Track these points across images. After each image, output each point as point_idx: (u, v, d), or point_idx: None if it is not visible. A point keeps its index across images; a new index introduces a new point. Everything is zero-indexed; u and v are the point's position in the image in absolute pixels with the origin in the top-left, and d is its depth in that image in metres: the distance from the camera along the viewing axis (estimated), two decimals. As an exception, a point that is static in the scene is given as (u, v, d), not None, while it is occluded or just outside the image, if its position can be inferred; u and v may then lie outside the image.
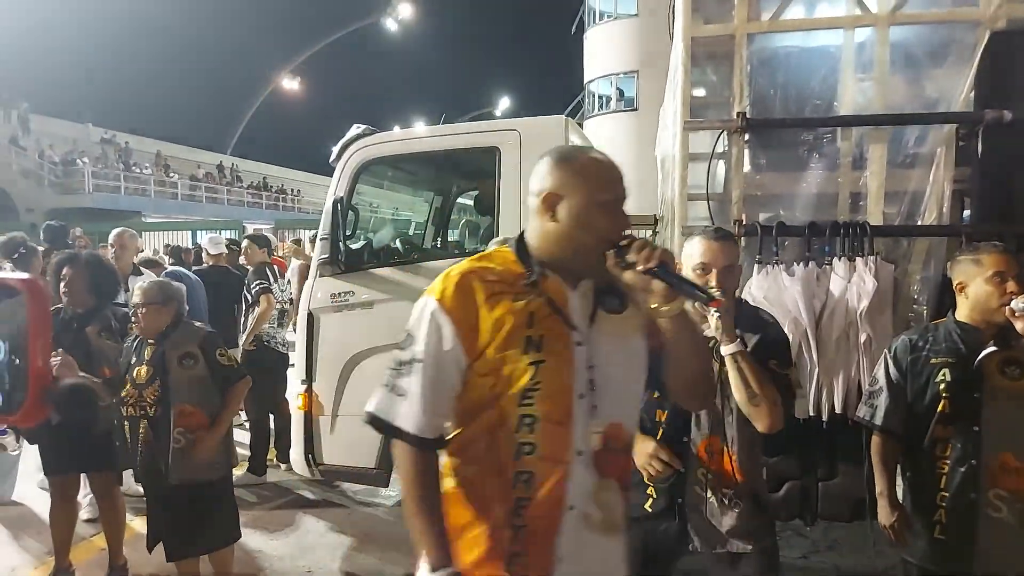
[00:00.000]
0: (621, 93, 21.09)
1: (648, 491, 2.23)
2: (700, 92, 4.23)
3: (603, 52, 20.93)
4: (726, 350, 2.05)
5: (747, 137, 3.64)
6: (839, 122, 3.51)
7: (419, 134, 4.41)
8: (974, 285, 2.34)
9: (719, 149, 3.72)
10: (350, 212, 4.30)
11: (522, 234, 1.57)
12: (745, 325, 2.15)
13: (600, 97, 21.83)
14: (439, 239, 5.47)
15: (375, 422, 1.53)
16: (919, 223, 3.33)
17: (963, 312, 2.40)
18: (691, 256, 2.17)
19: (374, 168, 4.46)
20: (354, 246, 4.40)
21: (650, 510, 2.23)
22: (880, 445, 2.48)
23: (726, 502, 2.16)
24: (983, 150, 3.15)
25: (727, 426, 2.15)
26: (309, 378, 4.24)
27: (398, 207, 6.11)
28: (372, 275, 4.20)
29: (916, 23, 3.44)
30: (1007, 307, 2.20)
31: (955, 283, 2.44)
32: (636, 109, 19.30)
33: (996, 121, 3.07)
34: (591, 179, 1.50)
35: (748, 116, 3.50)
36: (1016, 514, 2.24)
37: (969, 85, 3.24)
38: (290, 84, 40.69)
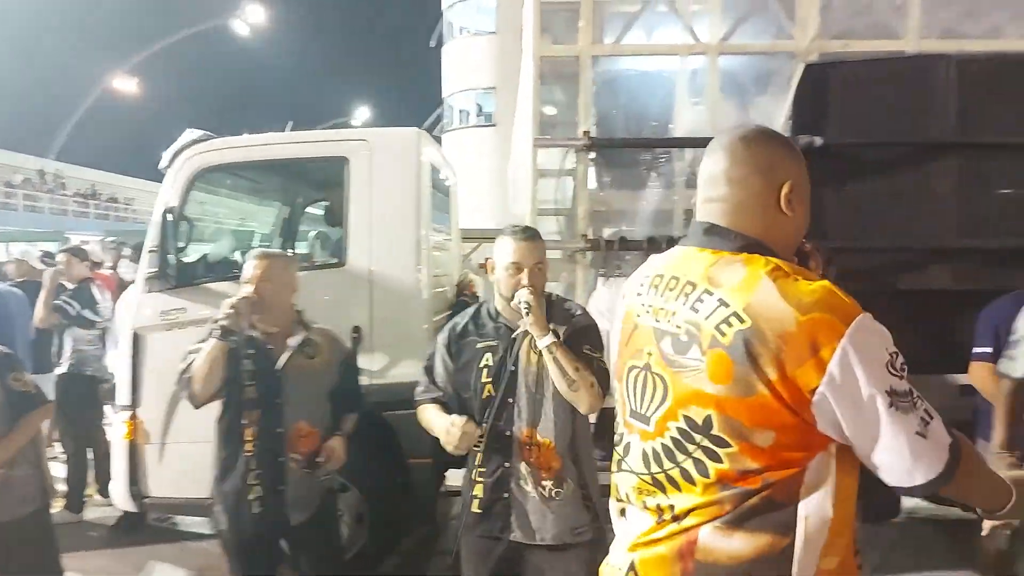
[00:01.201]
0: (480, 108, 21.35)
1: (475, 491, 2.26)
2: (551, 111, 4.33)
3: (462, 67, 21.10)
4: (542, 343, 2.15)
5: (592, 155, 3.77)
6: (674, 143, 3.72)
7: (262, 141, 4.16)
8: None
9: (567, 166, 3.83)
10: (183, 222, 3.98)
11: (757, 240, 1.24)
12: (556, 318, 2.25)
13: (460, 111, 21.97)
14: (286, 251, 5.21)
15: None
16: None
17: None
18: (503, 256, 2.25)
19: (211, 176, 4.15)
20: (187, 259, 4.08)
21: (479, 511, 2.26)
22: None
23: (547, 494, 2.21)
24: (799, 173, 3.43)
25: (543, 416, 2.23)
26: (134, 404, 3.86)
27: (240, 218, 5.76)
28: (208, 290, 3.90)
29: (742, 53, 3.73)
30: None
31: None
32: (495, 125, 19.58)
33: (809, 146, 3.36)
34: (805, 167, 1.30)
35: (593, 135, 3.62)
36: None
37: (787, 112, 3.53)
38: (126, 85, 37.59)
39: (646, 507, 1.25)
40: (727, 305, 1.13)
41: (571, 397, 2.16)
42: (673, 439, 1.20)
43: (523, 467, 2.22)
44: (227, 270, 4.21)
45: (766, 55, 3.70)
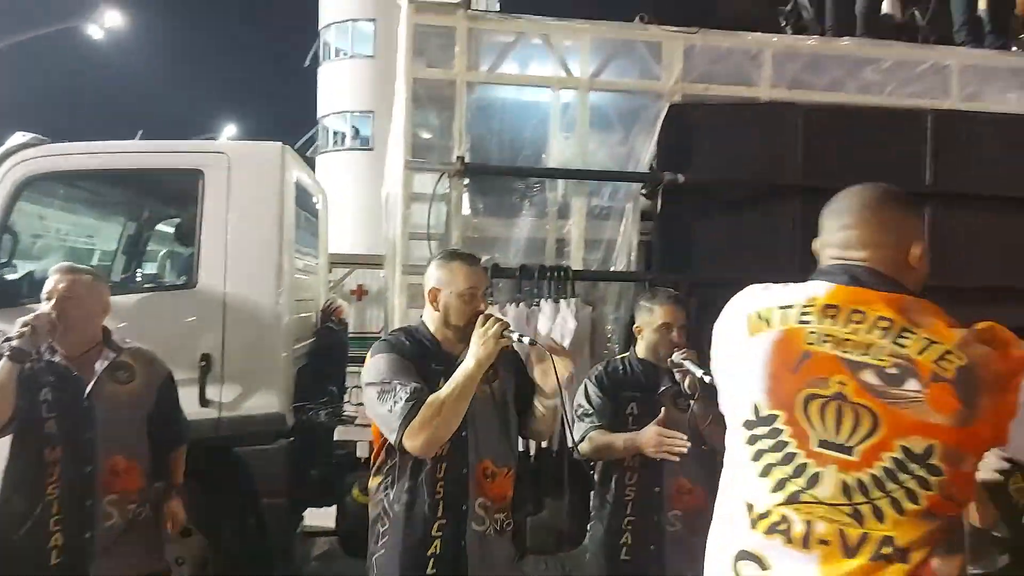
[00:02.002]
0: (357, 131, 20.98)
1: (432, 531, 2.06)
2: (425, 134, 4.26)
3: (338, 89, 20.69)
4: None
5: (466, 181, 3.73)
6: (545, 173, 3.75)
7: (104, 148, 3.78)
8: (647, 331, 2.60)
9: (440, 191, 3.75)
10: (6, 235, 3.54)
11: (908, 288, 1.41)
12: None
13: (335, 133, 21.48)
14: (132, 271, 4.76)
15: None
16: (612, 269, 3.65)
17: (642, 351, 2.64)
18: (458, 282, 2.12)
19: (42, 185, 3.74)
20: (10, 276, 3.63)
21: (433, 554, 2.06)
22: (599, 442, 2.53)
23: (499, 527, 2.14)
24: (662, 206, 3.55)
25: (500, 443, 2.16)
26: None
27: (79, 233, 5.23)
28: (33, 312, 3.47)
29: (610, 90, 3.83)
30: (668, 359, 2.45)
31: (634, 326, 2.68)
32: (372, 148, 19.29)
33: (673, 182, 3.49)
34: None
35: (467, 161, 3.57)
36: (689, 528, 2.47)
37: (653, 149, 3.65)
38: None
39: (845, 542, 1.25)
40: (938, 343, 1.25)
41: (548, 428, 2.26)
42: (885, 469, 1.24)
43: (477, 505, 2.10)
44: (58, 290, 3.78)
45: (633, 94, 3.82)
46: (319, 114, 21.49)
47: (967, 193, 3.62)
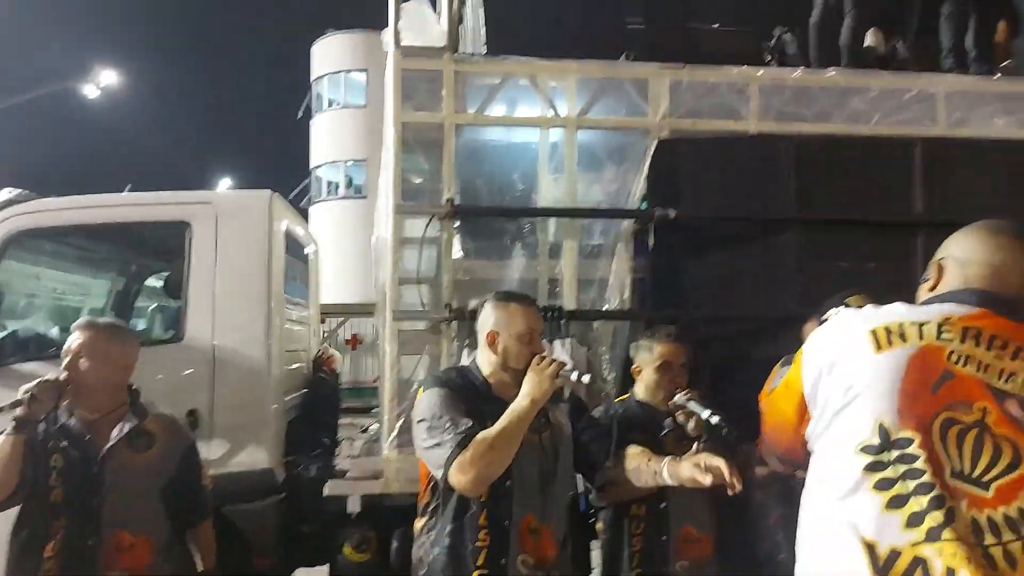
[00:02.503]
0: (350, 180, 21.14)
1: None
2: (415, 178, 4.24)
3: (331, 139, 20.92)
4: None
5: (456, 224, 3.69)
6: (536, 213, 3.72)
7: (90, 203, 3.75)
8: (647, 371, 2.52)
9: (430, 234, 3.71)
10: (-10, 294, 3.49)
11: None
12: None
13: (328, 183, 21.65)
14: (90, 318, 4.67)
15: None
16: (606, 308, 3.58)
17: (640, 393, 2.56)
18: (517, 323, 2.11)
19: (28, 242, 3.70)
20: (-7, 335, 3.56)
21: None
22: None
23: None
24: (655, 243, 3.51)
25: (545, 498, 2.08)
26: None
27: (67, 289, 5.17)
28: (16, 372, 3.39)
29: (598, 128, 3.82)
30: (670, 400, 2.37)
31: (633, 366, 2.60)
32: (365, 197, 19.41)
33: (664, 218, 3.45)
34: None
35: (457, 203, 3.54)
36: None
37: (642, 185, 3.62)
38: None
39: None
40: None
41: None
42: (1021, 509, 1.14)
43: (520, 562, 2.03)
44: (43, 348, 3.71)
45: (621, 131, 3.81)
46: (312, 164, 21.70)
47: (957, 221, 3.57)
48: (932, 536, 1.13)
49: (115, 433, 2.24)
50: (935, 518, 1.14)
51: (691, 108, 3.69)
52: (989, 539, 1.13)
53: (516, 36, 4.65)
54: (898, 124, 3.81)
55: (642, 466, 2.11)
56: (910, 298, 3.58)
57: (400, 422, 3.35)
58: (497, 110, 3.89)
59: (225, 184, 24.19)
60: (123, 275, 4.64)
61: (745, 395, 1.85)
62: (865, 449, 1.21)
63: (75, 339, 2.25)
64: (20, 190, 3.71)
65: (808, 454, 1.36)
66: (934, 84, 3.91)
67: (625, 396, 2.66)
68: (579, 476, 2.44)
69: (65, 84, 19.29)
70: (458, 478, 1.91)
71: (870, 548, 1.16)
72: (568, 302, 3.52)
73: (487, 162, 3.92)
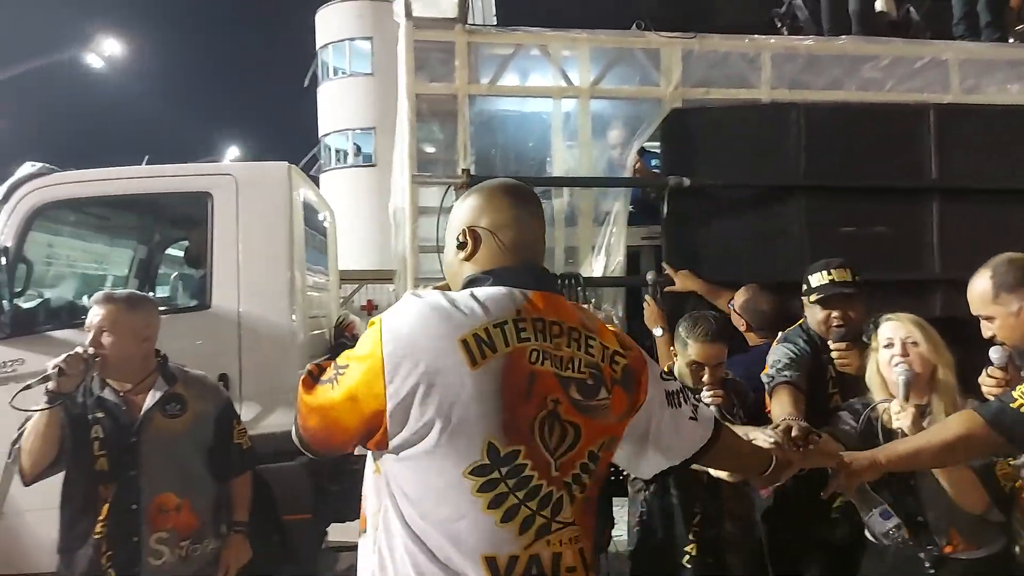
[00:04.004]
0: (359, 148, 21.07)
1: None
2: (429, 148, 4.30)
3: (339, 107, 20.80)
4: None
5: (472, 193, 3.75)
6: (550, 182, 3.78)
7: (112, 175, 3.84)
8: (678, 361, 2.60)
9: (447, 204, 3.78)
10: (20, 265, 3.59)
11: None
12: None
13: (337, 151, 21.58)
14: (113, 291, 4.79)
15: None
16: (614, 274, 3.66)
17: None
18: None
19: (53, 213, 3.79)
20: (25, 305, 3.67)
21: None
22: None
23: None
24: (668, 211, 3.58)
25: None
26: (-41, 471, 3.38)
27: (90, 259, 5.28)
28: (50, 339, 3.52)
29: (612, 97, 3.86)
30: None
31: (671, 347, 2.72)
32: (374, 165, 19.37)
33: (678, 186, 3.51)
34: None
35: (472, 173, 3.61)
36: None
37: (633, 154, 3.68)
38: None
39: None
40: None
41: None
42: (575, 475, 1.31)
43: None
44: (72, 317, 3.83)
45: (634, 100, 3.85)
46: (320, 133, 21.62)
47: (972, 187, 3.63)
48: (541, 533, 1.24)
49: (147, 402, 2.32)
50: (544, 516, 1.24)
51: (703, 77, 3.73)
52: (569, 513, 1.28)
53: (526, 6, 4.65)
54: (910, 91, 3.84)
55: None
56: (915, 264, 3.63)
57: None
58: (510, 80, 3.93)
59: (232, 152, 24.20)
60: (145, 244, 4.75)
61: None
62: (476, 472, 1.21)
63: (95, 314, 2.29)
64: (42, 164, 3.79)
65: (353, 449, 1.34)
66: (946, 51, 3.92)
67: None
68: None
69: (68, 54, 19.16)
70: None
71: (490, 561, 1.21)
72: (585, 269, 3.61)
73: (501, 132, 3.97)
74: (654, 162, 3.99)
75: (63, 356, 2.16)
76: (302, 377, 1.36)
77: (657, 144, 3.86)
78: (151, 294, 4.76)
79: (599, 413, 1.30)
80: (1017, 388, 1.72)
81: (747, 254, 3.58)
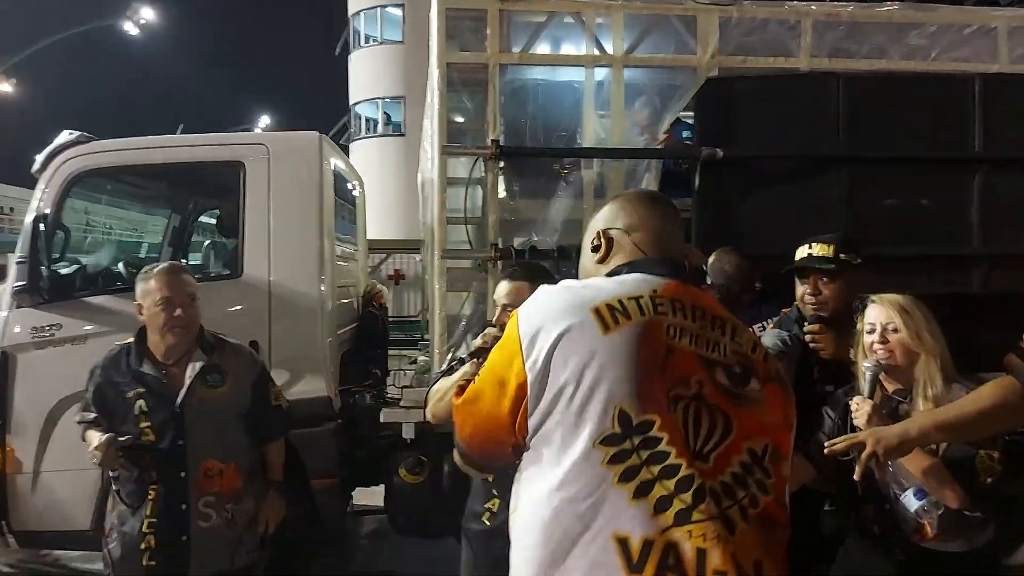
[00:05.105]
0: (388, 118, 21.07)
1: None
2: (459, 119, 4.27)
3: (369, 75, 20.77)
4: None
5: (501, 164, 3.72)
6: (581, 153, 3.73)
7: (147, 144, 3.88)
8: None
9: (476, 175, 3.76)
10: (59, 231, 3.66)
11: None
12: None
13: (367, 120, 21.61)
14: (178, 262, 4.89)
15: None
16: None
17: None
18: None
19: (90, 180, 3.84)
20: (64, 271, 3.75)
21: None
22: None
23: None
24: (700, 183, 3.51)
25: None
26: (2, 430, 3.50)
27: (126, 226, 5.38)
28: (87, 304, 3.60)
29: (646, 66, 3.78)
30: None
31: None
32: (403, 134, 19.38)
33: (711, 157, 3.44)
34: None
35: (501, 144, 3.57)
36: None
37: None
38: (3, 88, 34.71)
39: None
40: None
41: None
42: (734, 474, 1.21)
43: None
44: (109, 283, 3.92)
45: (669, 69, 3.76)
46: (351, 101, 21.64)
47: (1018, 158, 3.50)
48: (680, 519, 1.11)
49: (188, 373, 2.38)
50: (683, 500, 1.12)
51: (741, 45, 3.63)
52: (714, 510, 1.13)
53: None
54: (956, 61, 3.70)
55: None
56: (958, 238, 3.52)
57: (449, 355, 3.50)
58: (542, 49, 3.87)
59: (264, 121, 24.36)
60: (179, 212, 4.81)
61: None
62: (606, 441, 1.15)
63: (143, 289, 2.36)
64: (80, 132, 3.84)
65: (512, 454, 1.28)
66: (995, 19, 3.76)
67: None
68: None
69: (105, 23, 19.34)
70: None
71: (623, 543, 1.11)
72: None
73: (532, 102, 3.92)
74: (686, 133, 3.91)
75: (102, 442, 2.27)
76: (453, 392, 1.40)
77: (691, 114, 3.78)
78: (183, 262, 4.85)
79: (751, 404, 1.21)
80: None
81: (783, 228, 3.48)
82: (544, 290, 1.30)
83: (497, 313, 2.33)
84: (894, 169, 3.53)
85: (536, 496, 1.20)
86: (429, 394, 2.32)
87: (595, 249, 1.41)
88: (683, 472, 1.13)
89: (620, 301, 1.22)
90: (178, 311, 2.33)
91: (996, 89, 3.52)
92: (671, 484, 1.12)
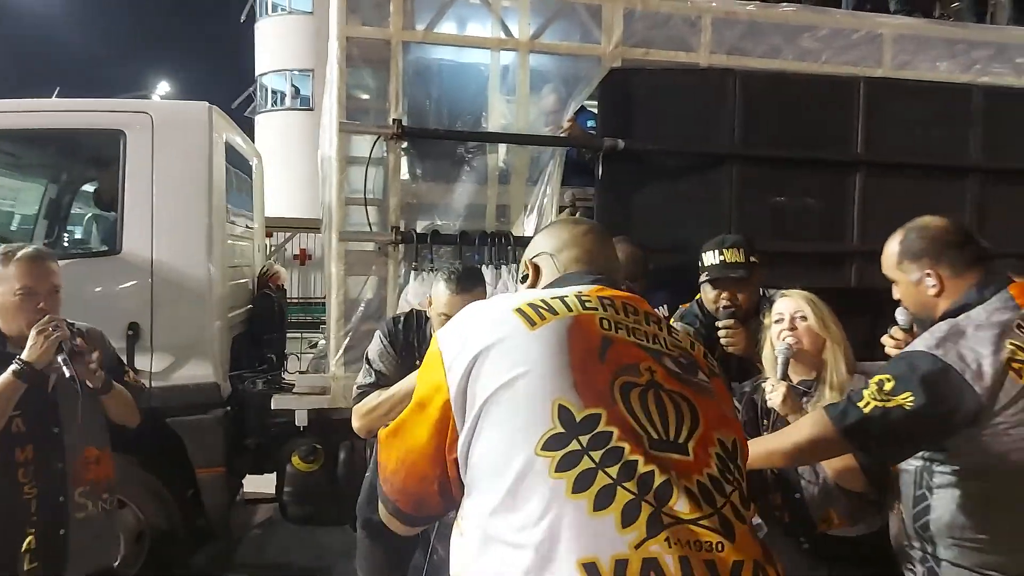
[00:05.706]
0: (297, 91, 20.30)
1: None
2: (363, 96, 4.13)
3: (276, 46, 19.91)
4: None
5: (404, 145, 3.64)
6: (485, 138, 3.70)
7: (18, 107, 3.57)
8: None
9: (377, 155, 3.66)
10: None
11: None
12: None
13: (274, 92, 20.75)
14: (55, 236, 4.53)
15: None
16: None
17: None
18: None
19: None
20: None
21: None
22: None
23: None
24: (603, 173, 3.55)
25: None
26: None
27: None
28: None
29: (550, 53, 3.77)
30: None
31: None
32: (311, 109, 18.71)
33: (612, 148, 3.48)
34: None
35: (404, 124, 3.49)
36: None
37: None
38: None
39: None
40: None
41: None
42: (716, 469, 1.15)
43: None
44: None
45: (574, 57, 3.77)
46: (257, 72, 20.72)
47: (894, 162, 3.72)
48: (653, 529, 0.94)
49: (60, 358, 2.16)
50: (650, 503, 0.96)
51: (644, 38, 3.67)
52: (707, 508, 0.99)
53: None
54: (845, 64, 3.88)
55: None
56: (837, 236, 3.69)
57: (347, 341, 3.41)
58: (447, 28, 3.79)
59: (163, 88, 22.98)
60: (55, 183, 4.45)
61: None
62: (550, 444, 0.99)
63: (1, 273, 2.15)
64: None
65: (439, 496, 1.14)
66: (882, 25, 3.97)
67: None
68: None
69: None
70: None
71: (591, 568, 0.92)
72: (516, 228, 3.57)
73: (436, 83, 3.84)
74: (590, 123, 3.94)
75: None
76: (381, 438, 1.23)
77: (595, 104, 3.81)
78: (65, 235, 4.50)
79: (708, 395, 1.12)
80: (869, 385, 1.65)
81: (677, 220, 3.60)
82: (469, 306, 1.23)
83: (435, 324, 2.36)
84: (781, 168, 3.67)
85: (476, 522, 1.04)
86: (355, 408, 2.38)
87: (523, 280, 1.40)
88: (643, 468, 0.98)
89: (543, 300, 1.16)
90: (40, 304, 2.14)
91: (878, 93, 3.73)
92: (632, 485, 0.96)
